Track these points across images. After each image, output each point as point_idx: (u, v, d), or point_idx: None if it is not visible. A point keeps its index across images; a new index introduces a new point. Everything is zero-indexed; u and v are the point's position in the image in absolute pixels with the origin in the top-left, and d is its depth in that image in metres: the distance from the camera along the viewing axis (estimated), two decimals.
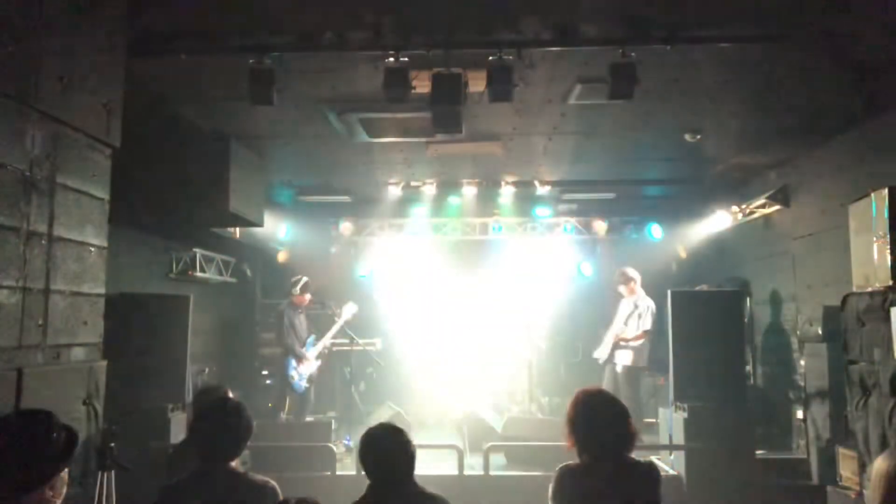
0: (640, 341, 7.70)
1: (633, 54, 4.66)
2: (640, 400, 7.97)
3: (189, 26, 4.66)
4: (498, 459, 6.64)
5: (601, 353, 8.02)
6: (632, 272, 8.12)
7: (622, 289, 8.06)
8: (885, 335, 4.32)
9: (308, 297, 8.28)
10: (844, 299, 4.90)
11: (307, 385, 8.00)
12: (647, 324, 7.70)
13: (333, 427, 7.16)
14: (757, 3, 4.42)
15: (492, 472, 6.09)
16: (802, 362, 6.79)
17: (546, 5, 4.52)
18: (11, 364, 3.47)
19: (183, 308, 6.29)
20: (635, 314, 7.83)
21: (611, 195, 9.45)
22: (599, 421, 2.83)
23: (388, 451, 2.68)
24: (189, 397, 6.00)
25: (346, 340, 8.15)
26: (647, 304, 7.83)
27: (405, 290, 10.61)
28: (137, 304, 6.04)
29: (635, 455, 2.89)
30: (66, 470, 2.23)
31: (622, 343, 7.77)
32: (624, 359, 7.74)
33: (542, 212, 10.26)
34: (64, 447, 2.21)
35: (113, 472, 4.14)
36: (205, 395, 4.01)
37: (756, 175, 8.13)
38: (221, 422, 2.86)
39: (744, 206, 8.31)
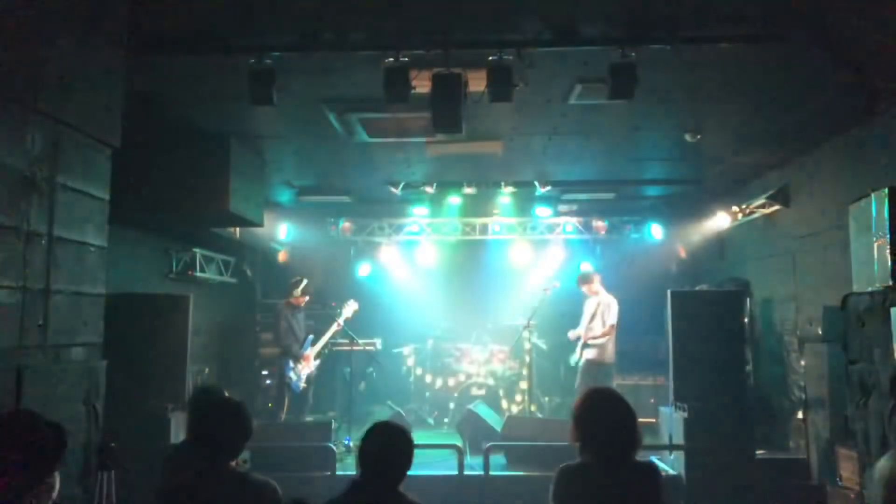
0: (607, 337, 7.88)
1: (633, 54, 4.66)
2: None
3: (189, 26, 4.66)
4: (498, 459, 6.64)
5: (575, 356, 8.26)
6: (591, 271, 8.41)
7: (584, 288, 8.26)
8: (885, 335, 4.31)
9: (307, 298, 8.28)
10: (844, 299, 4.90)
11: (305, 385, 8.00)
12: (612, 318, 7.88)
13: (333, 427, 7.16)
14: (757, 3, 4.41)
15: (492, 473, 6.09)
16: (802, 362, 6.80)
17: (546, 5, 4.52)
18: (11, 364, 3.47)
19: (183, 308, 6.30)
20: (599, 311, 7.99)
21: (611, 195, 9.44)
22: (607, 421, 2.81)
23: (389, 448, 2.68)
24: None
25: (346, 340, 8.15)
26: (609, 300, 8.03)
27: (405, 290, 10.59)
28: (137, 304, 6.05)
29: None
30: (56, 474, 2.20)
31: (590, 341, 7.96)
32: (589, 354, 7.94)
33: (542, 212, 10.25)
34: (54, 445, 2.18)
35: (113, 472, 4.14)
36: (202, 395, 4.00)
37: (756, 175, 8.13)
38: (222, 422, 2.86)
39: (744, 206, 8.30)
